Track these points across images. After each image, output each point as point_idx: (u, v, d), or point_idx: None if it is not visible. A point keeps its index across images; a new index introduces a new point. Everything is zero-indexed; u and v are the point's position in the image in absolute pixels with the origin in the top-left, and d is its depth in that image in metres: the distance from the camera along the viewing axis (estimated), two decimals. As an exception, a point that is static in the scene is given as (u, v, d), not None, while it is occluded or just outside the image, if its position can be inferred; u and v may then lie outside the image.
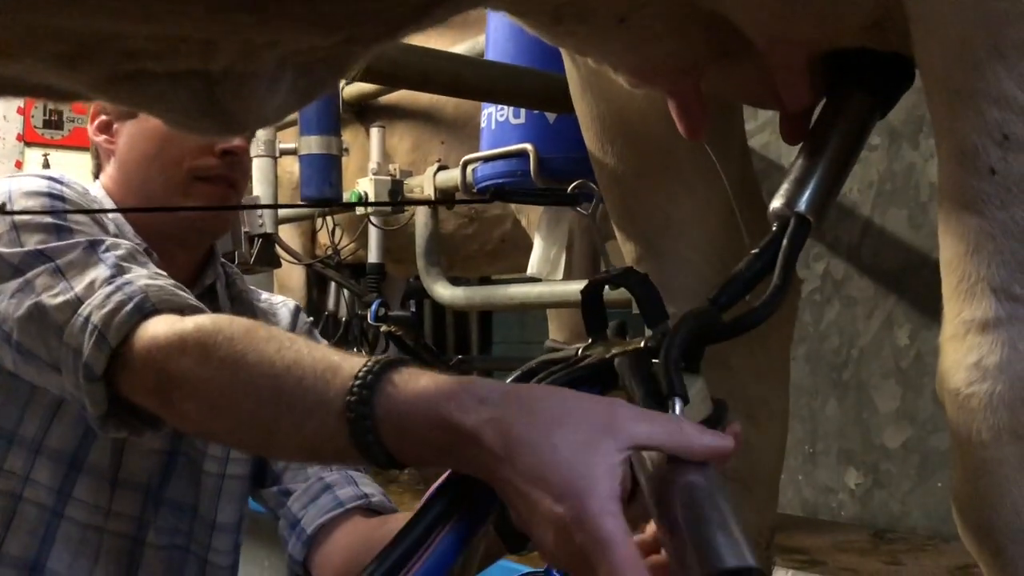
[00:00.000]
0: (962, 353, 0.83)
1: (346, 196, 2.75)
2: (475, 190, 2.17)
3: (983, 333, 0.81)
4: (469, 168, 2.19)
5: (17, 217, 1.11)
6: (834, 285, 2.44)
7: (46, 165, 4.99)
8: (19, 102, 5.40)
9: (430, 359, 2.96)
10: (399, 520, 1.25)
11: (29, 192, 1.14)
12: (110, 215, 1.26)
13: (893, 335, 2.32)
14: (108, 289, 1.02)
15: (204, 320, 0.95)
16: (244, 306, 1.40)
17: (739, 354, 1.19)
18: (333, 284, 3.67)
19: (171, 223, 1.30)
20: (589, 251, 2.76)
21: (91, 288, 1.03)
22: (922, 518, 2.33)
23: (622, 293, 0.96)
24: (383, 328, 2.91)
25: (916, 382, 2.29)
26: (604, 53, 1.10)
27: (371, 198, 2.79)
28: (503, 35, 1.96)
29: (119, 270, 1.06)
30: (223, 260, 1.43)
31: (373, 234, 3.13)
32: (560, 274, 2.11)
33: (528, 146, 1.95)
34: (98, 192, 1.33)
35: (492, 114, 2.06)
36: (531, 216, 2.75)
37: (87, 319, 0.99)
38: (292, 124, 2.94)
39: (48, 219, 1.12)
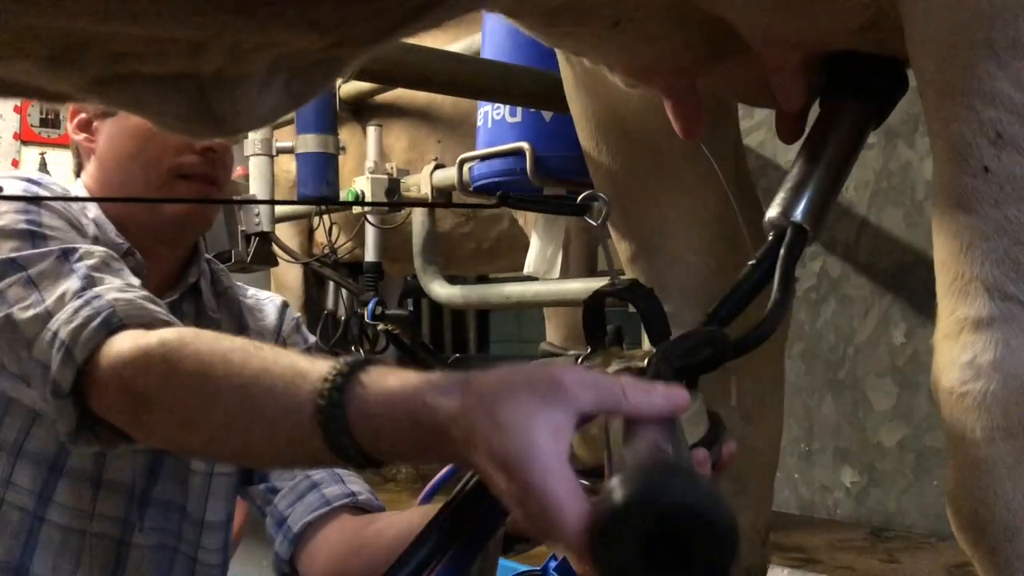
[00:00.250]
0: (956, 351, 0.83)
1: (343, 195, 2.75)
2: (472, 189, 2.17)
3: (977, 331, 0.81)
4: (466, 167, 2.19)
5: None
6: (830, 284, 2.45)
7: (43, 164, 4.98)
8: (15, 101, 5.39)
9: (427, 357, 2.96)
10: (386, 519, 1.25)
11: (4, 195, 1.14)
12: (91, 216, 1.25)
13: (889, 333, 2.32)
14: (77, 303, 1.01)
15: (169, 335, 0.93)
16: (230, 303, 1.40)
17: (734, 353, 1.18)
18: (331, 283, 3.67)
19: (153, 221, 1.29)
20: (585, 250, 2.76)
21: (61, 301, 1.02)
22: (918, 516, 2.33)
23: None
24: (380, 327, 2.91)
25: (912, 380, 2.29)
26: (600, 54, 1.10)
27: (368, 197, 2.79)
28: (499, 34, 1.96)
29: (90, 282, 1.05)
30: (208, 257, 1.42)
31: (370, 233, 3.13)
32: (557, 273, 2.11)
33: (524, 145, 1.95)
34: (79, 191, 1.32)
35: (488, 113, 2.06)
36: (528, 215, 2.75)
37: (55, 334, 0.98)
38: (289, 123, 2.93)
39: (23, 225, 1.11)
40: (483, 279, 3.79)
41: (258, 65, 0.67)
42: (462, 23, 2.58)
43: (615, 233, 1.29)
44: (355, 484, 1.31)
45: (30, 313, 1.02)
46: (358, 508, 1.28)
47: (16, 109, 5.29)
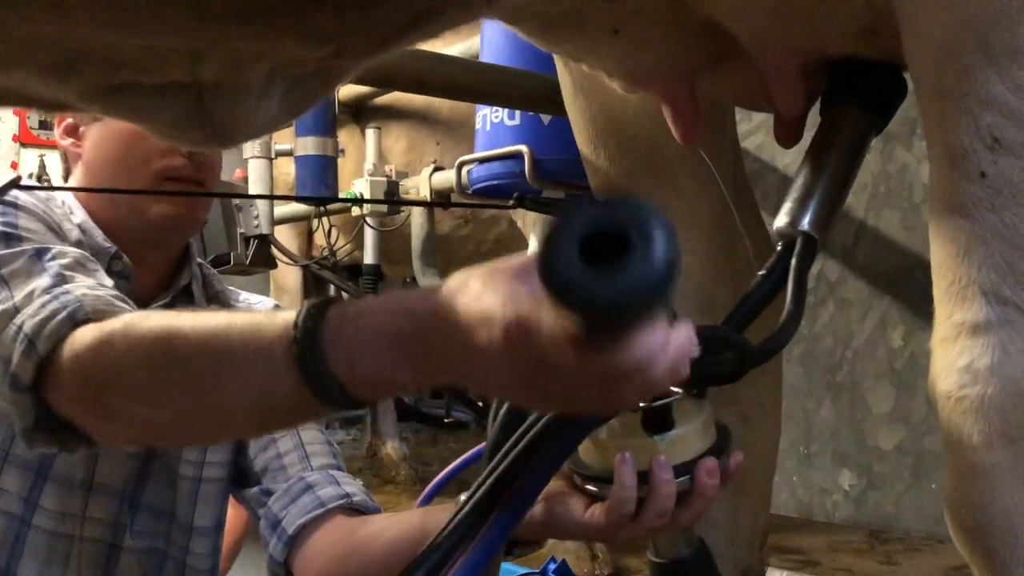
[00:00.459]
0: (953, 356, 0.83)
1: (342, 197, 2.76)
2: (471, 191, 2.17)
3: (974, 336, 0.81)
4: (464, 169, 2.19)
5: None
6: (828, 287, 2.45)
7: (42, 166, 4.98)
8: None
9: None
10: (382, 520, 1.24)
11: None
12: (77, 221, 1.25)
13: (887, 336, 2.32)
14: (45, 298, 0.99)
15: (133, 315, 0.92)
16: (221, 306, 1.39)
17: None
18: (330, 285, 3.67)
19: (141, 224, 1.28)
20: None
21: (30, 298, 1.00)
22: (916, 519, 2.34)
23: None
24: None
25: (910, 383, 2.30)
26: (598, 59, 1.11)
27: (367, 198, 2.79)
28: (498, 38, 1.96)
29: (61, 280, 1.03)
30: (200, 261, 1.42)
31: (369, 235, 3.13)
32: (555, 275, 2.10)
33: (523, 147, 1.95)
34: (67, 196, 1.30)
35: (487, 116, 2.06)
36: (526, 217, 2.75)
37: (20, 328, 0.96)
38: (288, 125, 2.94)
39: None
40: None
41: (256, 75, 0.67)
42: (461, 28, 2.58)
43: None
44: (350, 486, 1.29)
45: None
46: (353, 510, 1.27)
47: (15, 111, 5.30)
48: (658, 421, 0.84)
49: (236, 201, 2.81)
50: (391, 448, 4.48)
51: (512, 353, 0.65)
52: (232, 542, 2.45)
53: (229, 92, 0.66)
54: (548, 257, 0.57)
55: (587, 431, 0.83)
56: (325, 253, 3.31)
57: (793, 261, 0.90)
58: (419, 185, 2.75)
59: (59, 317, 0.95)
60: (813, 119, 1.06)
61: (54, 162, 5.27)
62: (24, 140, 5.31)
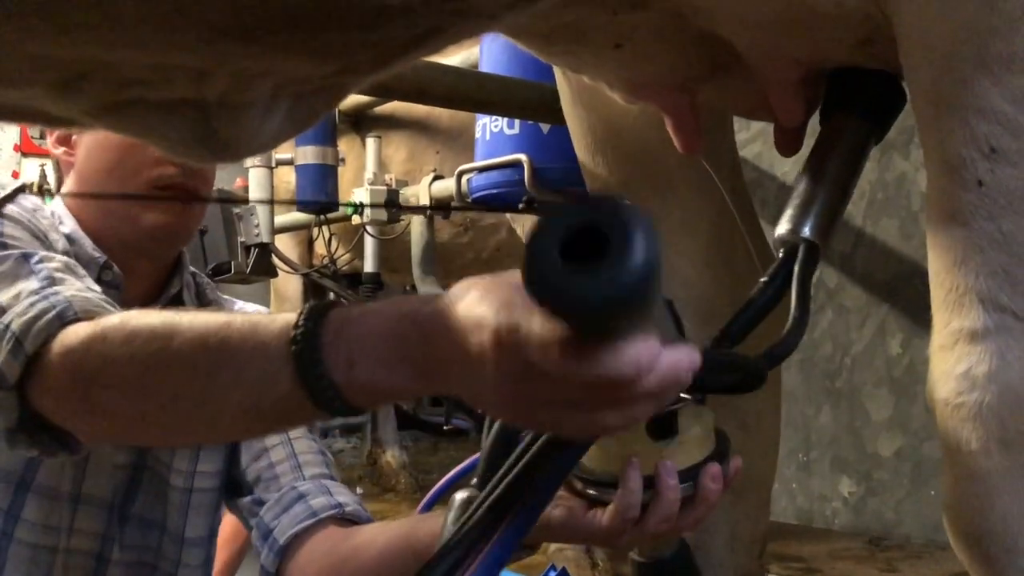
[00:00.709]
0: (951, 363, 0.83)
1: (342, 207, 2.76)
2: (470, 200, 2.18)
3: (972, 343, 0.82)
4: (464, 178, 2.20)
5: None
6: (827, 294, 2.46)
7: (43, 175, 4.99)
8: (16, 115, 5.38)
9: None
10: (373, 530, 1.23)
11: None
12: (67, 231, 1.24)
13: (886, 344, 2.33)
14: (33, 298, 0.98)
15: (130, 312, 0.90)
16: None
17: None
18: (330, 294, 3.68)
19: (132, 233, 1.27)
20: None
21: (17, 298, 0.99)
22: (915, 526, 2.34)
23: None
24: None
25: (909, 390, 2.30)
26: (599, 71, 1.11)
27: (367, 209, 2.80)
28: (498, 47, 1.97)
29: (50, 282, 1.02)
30: (194, 270, 1.41)
31: (369, 243, 3.14)
32: (555, 283, 2.11)
33: (522, 156, 1.96)
34: (56, 207, 1.29)
35: (487, 125, 2.07)
36: (526, 224, 2.76)
37: (7, 326, 0.95)
38: (288, 134, 2.95)
39: None
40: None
41: (261, 92, 0.68)
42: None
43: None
44: (343, 495, 1.28)
45: None
46: (345, 519, 1.25)
47: (16, 121, 5.31)
48: (663, 427, 0.84)
49: (237, 210, 2.82)
50: (391, 456, 4.48)
51: (501, 359, 0.65)
52: (233, 553, 2.45)
53: (234, 108, 0.66)
54: (529, 257, 0.57)
55: (580, 453, 0.82)
56: (325, 262, 3.32)
57: (796, 268, 0.91)
58: (419, 194, 2.76)
59: (48, 316, 0.94)
60: (813, 128, 1.07)
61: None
62: (25, 150, 5.32)
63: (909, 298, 2.28)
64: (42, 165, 5.26)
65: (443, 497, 1.05)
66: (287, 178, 3.30)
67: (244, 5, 0.56)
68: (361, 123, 3.30)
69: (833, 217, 0.96)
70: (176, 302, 1.34)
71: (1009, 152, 0.80)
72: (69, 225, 1.26)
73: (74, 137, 1.31)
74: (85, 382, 0.87)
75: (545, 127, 1.94)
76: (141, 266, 1.30)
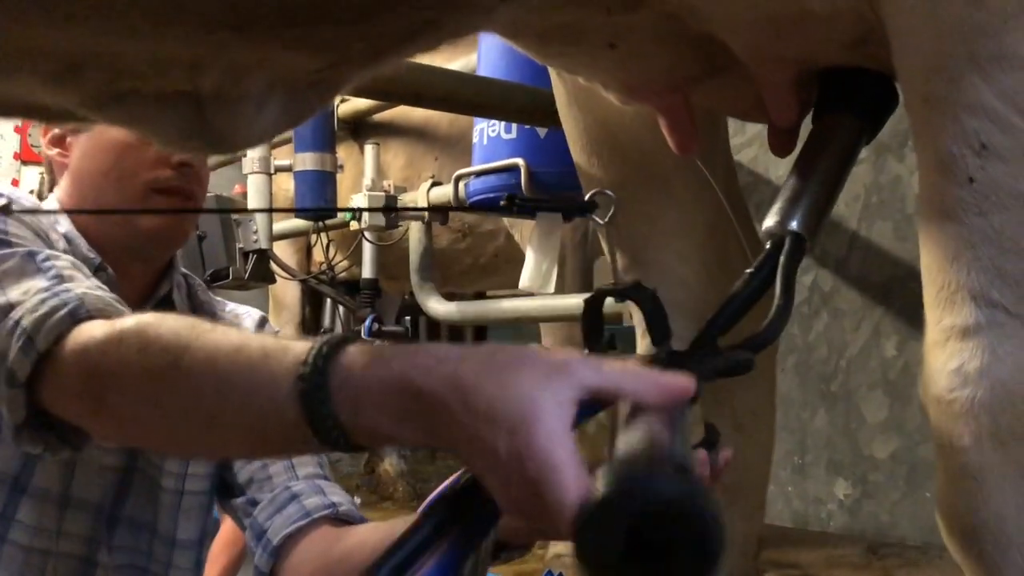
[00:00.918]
0: (944, 359, 0.83)
1: (340, 213, 2.77)
2: (468, 204, 2.19)
3: (964, 339, 0.82)
4: (461, 183, 2.20)
5: None
6: (822, 297, 2.46)
7: (42, 183, 5.00)
8: (16, 121, 5.42)
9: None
10: (367, 530, 1.22)
11: None
12: (63, 231, 1.24)
13: (881, 346, 2.33)
14: (44, 295, 0.98)
15: (146, 315, 0.90)
16: (206, 316, 1.38)
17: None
18: (328, 301, 3.68)
19: (128, 236, 1.27)
20: (581, 266, 2.77)
21: (27, 295, 0.99)
22: (911, 528, 2.33)
23: (612, 307, 0.95)
24: (376, 343, 2.91)
25: (904, 393, 2.30)
26: (594, 72, 1.12)
27: (365, 215, 2.80)
28: (495, 52, 1.98)
29: (60, 279, 1.02)
30: (185, 272, 1.41)
31: (367, 249, 3.14)
32: (552, 287, 2.11)
33: (519, 160, 1.97)
34: (52, 206, 1.29)
35: (484, 130, 2.08)
36: (524, 230, 2.77)
37: (17, 322, 0.95)
38: (287, 141, 2.95)
39: None
40: (480, 296, 3.79)
41: (256, 84, 0.68)
42: (459, 43, 2.60)
43: (606, 247, 1.30)
44: (336, 495, 1.28)
45: None
46: (339, 519, 1.25)
47: (17, 129, 5.31)
48: None
49: (235, 216, 2.82)
50: (389, 464, 4.48)
51: (520, 475, 0.63)
52: (233, 557, 2.44)
53: (229, 101, 0.66)
54: (587, 536, 0.56)
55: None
56: (324, 268, 3.32)
57: (781, 259, 0.91)
58: (417, 200, 2.77)
59: (60, 314, 0.94)
60: (807, 129, 1.07)
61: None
62: (25, 158, 5.33)
63: (904, 301, 2.29)
64: (42, 173, 5.27)
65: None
66: (286, 185, 3.30)
67: (237, -5, 0.57)
68: (360, 130, 3.30)
69: (821, 212, 0.97)
70: (166, 303, 1.34)
71: (1000, 148, 0.81)
72: (65, 225, 1.26)
73: (68, 138, 1.31)
74: (100, 383, 0.87)
75: (542, 131, 1.95)
76: (135, 268, 1.30)
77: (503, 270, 3.24)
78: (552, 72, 1.27)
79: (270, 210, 2.78)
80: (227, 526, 2.46)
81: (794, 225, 0.94)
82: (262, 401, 0.76)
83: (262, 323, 1.43)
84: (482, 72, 2.02)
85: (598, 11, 0.96)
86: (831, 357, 2.45)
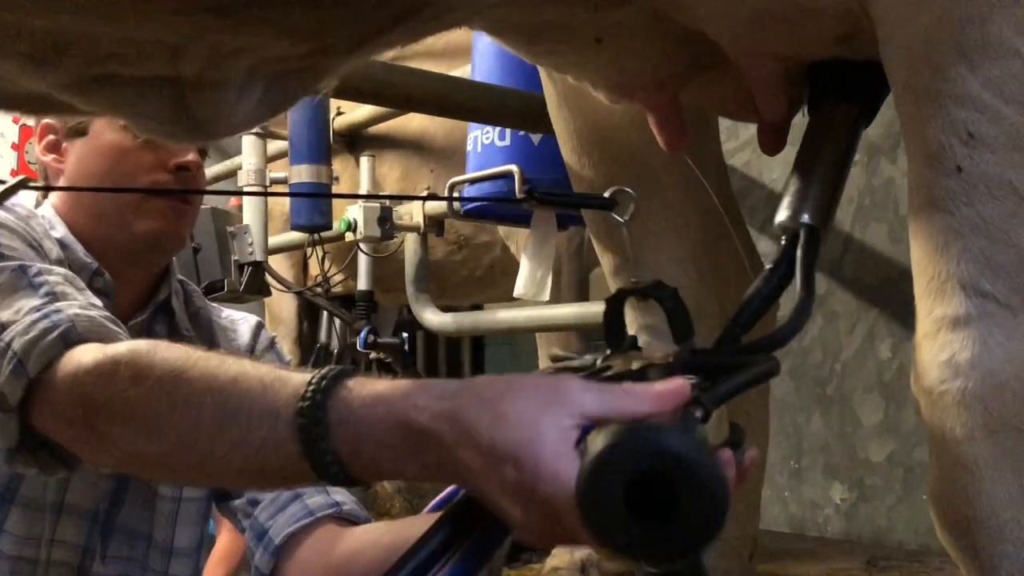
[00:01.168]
0: (935, 351, 0.83)
1: (336, 224, 2.77)
2: (462, 212, 2.19)
3: (955, 330, 0.82)
4: (456, 191, 2.20)
5: None
6: (816, 300, 2.46)
7: (44, 178, 5.00)
8: (14, 138, 5.44)
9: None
10: (377, 530, 1.21)
11: None
12: (58, 236, 1.23)
13: (875, 349, 2.33)
14: (35, 316, 0.97)
15: (139, 343, 0.89)
16: (202, 322, 1.37)
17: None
18: (324, 315, 3.67)
19: (124, 240, 1.27)
20: (577, 276, 2.77)
21: (18, 315, 0.98)
22: (907, 532, 2.32)
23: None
24: (372, 355, 2.91)
25: (899, 395, 2.30)
26: (583, 71, 1.12)
27: (360, 226, 2.79)
28: (488, 59, 1.98)
29: (51, 298, 1.01)
30: (182, 278, 1.40)
31: (363, 261, 3.14)
32: (547, 296, 2.11)
33: (513, 167, 1.97)
34: (47, 212, 1.28)
35: (478, 137, 2.08)
36: (520, 242, 2.76)
37: (8, 345, 0.94)
38: (283, 154, 2.95)
39: None
40: (476, 308, 3.79)
41: (237, 70, 0.68)
42: (456, 54, 2.60)
43: (598, 246, 1.30)
44: (339, 494, 1.26)
45: None
46: (343, 519, 1.24)
47: (14, 146, 5.33)
48: None
49: (230, 228, 2.82)
50: (386, 481, 4.46)
51: (533, 502, 0.64)
52: (229, 571, 2.43)
53: (209, 86, 0.66)
54: (590, 493, 0.56)
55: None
56: (319, 280, 3.31)
57: (799, 252, 0.91)
58: (412, 211, 2.76)
59: (50, 337, 0.93)
60: (795, 133, 1.07)
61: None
62: (22, 174, 5.34)
63: (898, 303, 2.29)
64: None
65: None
66: (282, 200, 3.31)
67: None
68: (355, 143, 3.31)
69: (830, 202, 0.97)
70: (165, 309, 1.33)
71: (987, 138, 0.81)
72: (60, 230, 1.25)
73: (64, 144, 1.31)
74: (93, 411, 0.86)
75: (536, 138, 1.95)
76: (132, 273, 1.29)
77: (499, 282, 3.23)
78: (543, 73, 1.28)
79: (265, 194, 2.76)
80: (223, 540, 2.44)
81: (806, 218, 0.94)
82: (261, 434, 0.76)
83: (258, 328, 1.43)
84: (475, 78, 2.02)
85: (584, 7, 0.96)
86: (826, 360, 2.45)
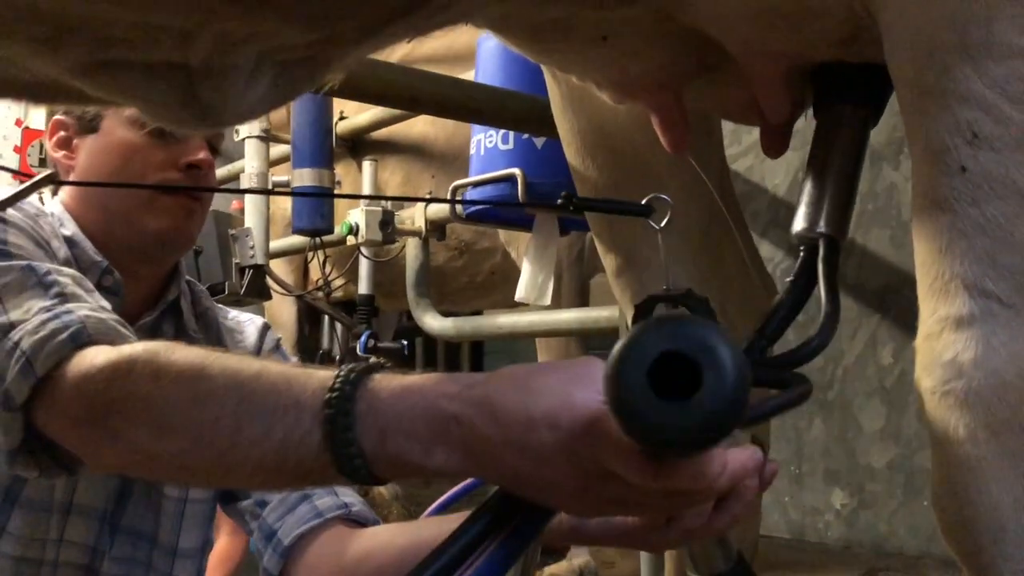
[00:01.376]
0: (938, 351, 0.83)
1: (337, 228, 2.77)
2: (465, 216, 2.18)
3: (958, 330, 0.81)
4: (458, 194, 2.20)
5: None
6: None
7: (41, 202, 5.00)
8: (16, 141, 5.44)
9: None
10: (389, 531, 1.20)
11: None
12: (68, 234, 1.23)
13: (877, 354, 2.33)
14: (45, 316, 0.96)
15: (155, 344, 0.88)
16: (209, 323, 1.37)
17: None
18: (325, 320, 3.67)
19: (134, 238, 1.26)
20: (577, 282, 2.77)
21: (27, 314, 0.97)
22: (908, 538, 2.31)
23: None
24: (372, 359, 2.90)
25: (901, 401, 2.29)
26: (586, 70, 1.12)
27: (362, 230, 2.80)
28: (492, 62, 1.98)
29: (62, 299, 1.01)
30: (189, 278, 1.40)
31: (364, 265, 3.14)
32: (548, 300, 2.11)
33: (516, 171, 1.97)
34: (56, 209, 1.28)
35: (481, 141, 2.08)
36: (520, 248, 2.77)
37: (16, 344, 0.93)
38: (285, 158, 2.96)
39: None
40: (476, 313, 3.79)
41: (245, 57, 0.68)
42: (459, 61, 2.61)
43: (600, 247, 1.30)
44: (348, 496, 1.25)
45: None
46: (352, 520, 1.23)
47: (16, 149, 5.34)
48: None
49: (232, 231, 2.82)
50: (384, 487, 4.45)
51: (576, 458, 0.64)
52: (229, 572, 2.42)
53: (218, 73, 0.67)
54: (616, 384, 0.57)
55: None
56: (320, 284, 3.32)
57: (820, 264, 0.92)
58: (415, 216, 2.77)
59: (60, 337, 0.92)
60: (797, 138, 1.07)
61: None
62: (23, 178, 5.34)
63: (900, 308, 2.29)
64: (39, 192, 5.28)
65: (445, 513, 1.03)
66: (283, 202, 3.31)
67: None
68: (358, 147, 3.31)
69: (845, 208, 0.98)
70: (174, 310, 1.33)
71: (991, 138, 0.81)
72: (70, 228, 1.25)
73: (75, 141, 1.31)
74: (104, 410, 0.86)
75: (539, 141, 1.95)
76: (141, 272, 1.29)
77: (500, 288, 3.23)
78: (547, 74, 1.28)
79: (266, 192, 2.77)
80: (222, 543, 2.44)
81: (823, 227, 0.95)
82: (286, 427, 0.75)
83: (264, 330, 1.42)
84: (479, 80, 2.02)
85: (590, 5, 0.96)
86: (827, 365, 2.45)
